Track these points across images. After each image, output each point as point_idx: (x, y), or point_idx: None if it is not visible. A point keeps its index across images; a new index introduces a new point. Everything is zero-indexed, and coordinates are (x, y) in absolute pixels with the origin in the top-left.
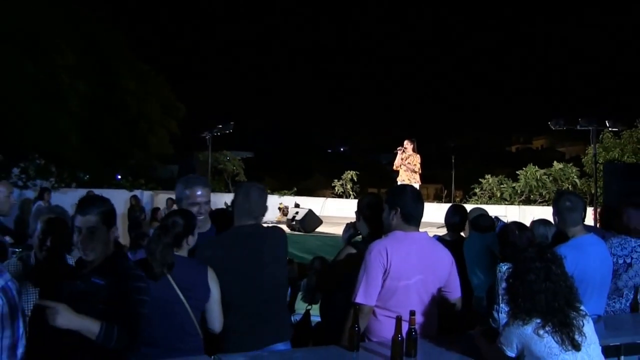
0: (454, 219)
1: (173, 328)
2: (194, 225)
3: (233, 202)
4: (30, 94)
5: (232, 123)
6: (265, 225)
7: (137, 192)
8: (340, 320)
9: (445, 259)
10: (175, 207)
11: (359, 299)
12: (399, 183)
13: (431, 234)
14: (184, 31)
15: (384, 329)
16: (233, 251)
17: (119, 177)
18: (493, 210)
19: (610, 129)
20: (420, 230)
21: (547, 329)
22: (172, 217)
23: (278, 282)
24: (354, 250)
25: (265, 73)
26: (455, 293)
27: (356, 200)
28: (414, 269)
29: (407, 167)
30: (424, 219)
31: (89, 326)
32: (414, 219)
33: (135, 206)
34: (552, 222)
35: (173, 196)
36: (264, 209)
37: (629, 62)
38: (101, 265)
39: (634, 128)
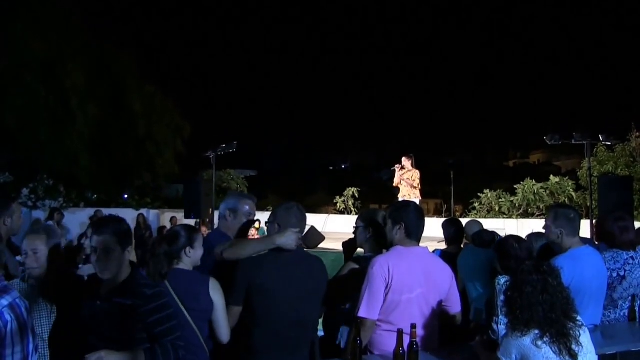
0: (452, 232)
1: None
2: (194, 238)
3: (273, 220)
4: (41, 117)
5: (235, 142)
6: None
7: (143, 211)
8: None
9: (445, 273)
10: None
11: (362, 313)
12: (400, 199)
13: (432, 248)
14: (187, 50)
15: (386, 342)
16: (279, 273)
17: (126, 196)
18: (492, 223)
19: (603, 142)
20: (421, 244)
21: (545, 339)
22: (172, 229)
23: (316, 310)
24: (356, 265)
25: (267, 92)
26: (455, 307)
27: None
28: (415, 282)
29: (407, 182)
30: (424, 234)
31: (135, 358)
32: (415, 234)
33: (141, 225)
34: (546, 234)
35: (178, 215)
36: (304, 229)
37: (622, 77)
38: (122, 285)
39: (626, 142)
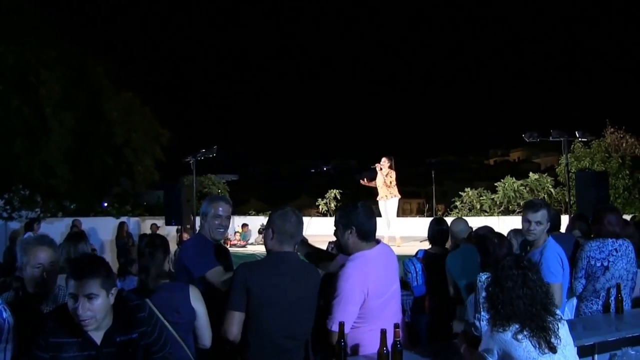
0: (436, 232)
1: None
2: (169, 250)
3: (268, 226)
4: (15, 127)
5: (215, 147)
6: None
7: (124, 219)
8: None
9: (397, 264)
10: (158, 232)
11: (335, 327)
12: (378, 198)
13: (415, 248)
14: (167, 56)
15: (369, 343)
16: (275, 283)
17: (105, 204)
18: (473, 221)
19: (580, 139)
20: (405, 244)
21: (525, 333)
22: (149, 243)
23: (310, 320)
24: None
25: (248, 96)
26: None
27: None
28: (387, 283)
29: (385, 180)
30: (407, 234)
31: None
32: (369, 234)
33: (123, 233)
34: (536, 230)
35: (158, 222)
36: (301, 234)
37: (596, 76)
38: (118, 322)
39: (601, 138)
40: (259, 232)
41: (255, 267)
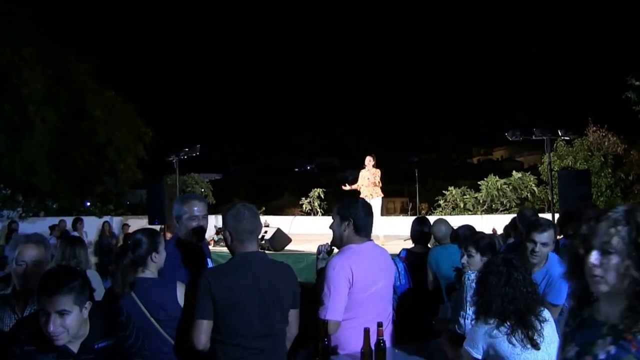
0: (419, 232)
1: (151, 350)
2: (157, 241)
3: (223, 228)
4: None
5: (198, 146)
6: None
7: (106, 218)
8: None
9: (392, 265)
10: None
11: (329, 315)
12: (362, 197)
13: (399, 247)
14: (149, 55)
15: (352, 341)
16: (244, 284)
17: (88, 203)
18: (457, 220)
19: (562, 137)
20: (388, 243)
21: (507, 329)
22: (132, 236)
23: (284, 318)
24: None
25: (231, 95)
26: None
27: (324, 217)
28: (374, 278)
29: (372, 176)
30: (390, 232)
31: None
32: (364, 230)
33: (106, 232)
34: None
35: (142, 221)
36: (259, 228)
37: (579, 74)
38: (95, 329)
39: (584, 136)
40: (217, 232)
41: (218, 272)
